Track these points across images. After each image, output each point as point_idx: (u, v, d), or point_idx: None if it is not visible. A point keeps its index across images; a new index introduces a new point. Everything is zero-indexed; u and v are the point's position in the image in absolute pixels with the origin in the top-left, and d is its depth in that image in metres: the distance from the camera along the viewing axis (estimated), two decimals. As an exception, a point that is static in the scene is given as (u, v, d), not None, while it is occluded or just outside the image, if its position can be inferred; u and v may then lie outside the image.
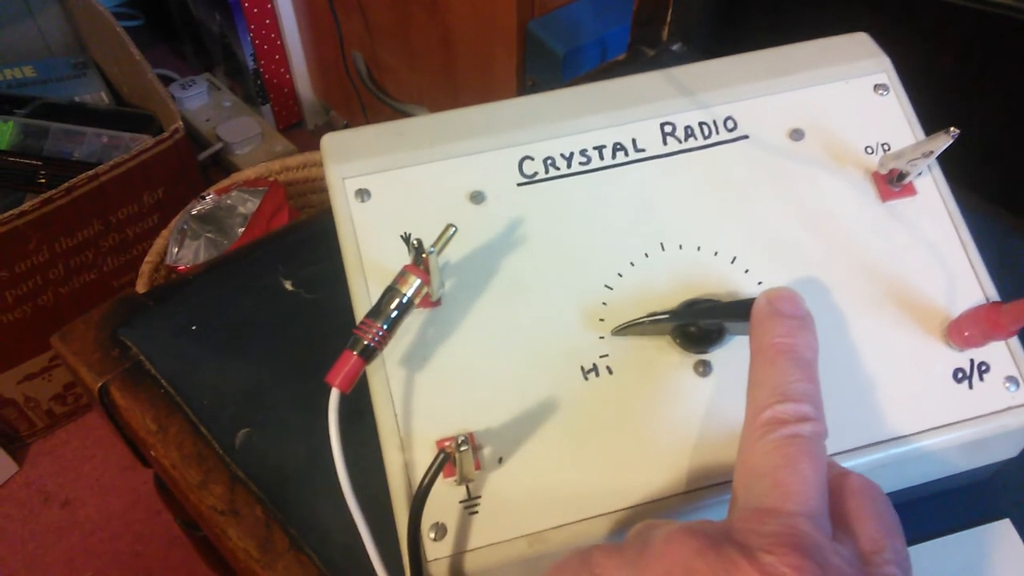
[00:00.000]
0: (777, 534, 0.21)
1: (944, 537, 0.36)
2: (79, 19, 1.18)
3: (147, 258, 0.86)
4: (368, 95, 1.13)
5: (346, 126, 1.44)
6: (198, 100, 1.38)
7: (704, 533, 0.22)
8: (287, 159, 0.94)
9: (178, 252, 0.84)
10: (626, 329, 0.32)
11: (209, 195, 0.86)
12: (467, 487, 0.30)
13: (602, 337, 0.32)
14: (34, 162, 1.01)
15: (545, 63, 0.79)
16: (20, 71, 1.15)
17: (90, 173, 0.91)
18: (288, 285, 0.44)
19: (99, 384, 0.41)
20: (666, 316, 0.32)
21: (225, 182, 0.90)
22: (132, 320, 0.43)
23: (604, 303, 0.33)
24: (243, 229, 0.84)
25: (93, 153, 1.04)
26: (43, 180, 1.00)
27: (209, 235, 0.85)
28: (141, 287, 0.84)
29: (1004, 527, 0.37)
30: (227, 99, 1.40)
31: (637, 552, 0.23)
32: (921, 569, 0.35)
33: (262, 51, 1.32)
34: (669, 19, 0.56)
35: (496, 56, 0.89)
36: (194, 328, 0.42)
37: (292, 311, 0.43)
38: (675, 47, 0.58)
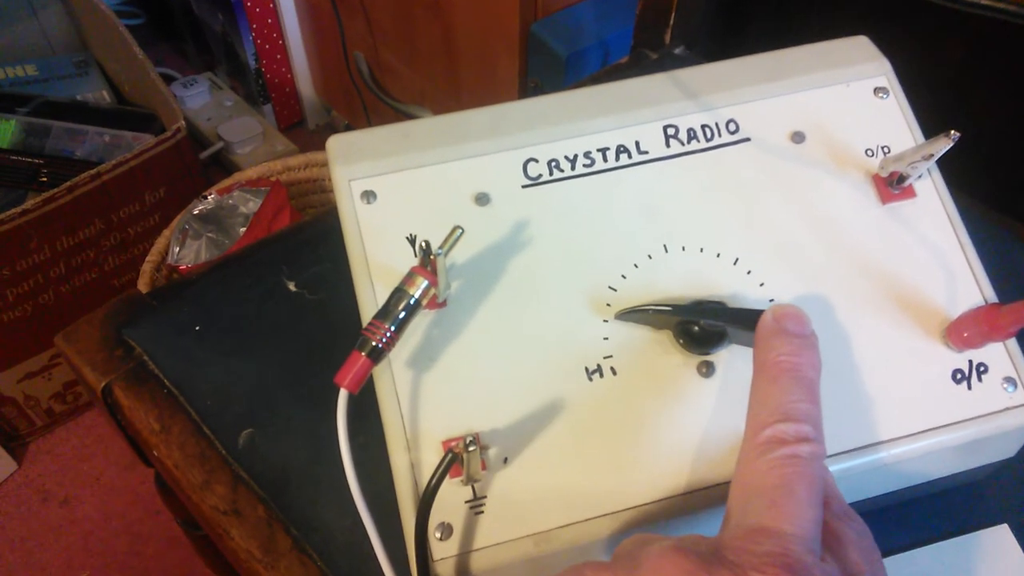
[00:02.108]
0: (769, 554, 0.22)
1: (942, 542, 0.37)
2: (81, 17, 1.18)
3: (148, 257, 0.86)
4: (370, 95, 1.13)
5: (347, 126, 1.44)
6: (199, 99, 1.38)
7: (695, 552, 0.22)
8: (289, 159, 0.94)
9: (179, 252, 0.84)
10: (630, 314, 0.32)
11: (211, 195, 0.86)
12: (473, 487, 0.30)
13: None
14: (36, 161, 1.01)
15: (548, 65, 0.79)
16: (22, 69, 1.15)
17: (92, 172, 0.91)
18: (291, 286, 0.44)
19: (103, 384, 0.41)
20: (670, 308, 0.32)
21: (227, 182, 0.90)
22: (136, 320, 0.43)
23: (608, 304, 0.33)
24: (244, 229, 0.85)
25: (95, 152, 1.04)
26: (45, 179, 1.01)
27: (210, 235, 0.85)
28: (142, 286, 0.84)
29: (1002, 532, 0.37)
30: (228, 98, 1.40)
31: (627, 571, 0.23)
32: (919, 574, 0.35)
33: (264, 50, 1.33)
34: (672, 22, 0.57)
35: (499, 58, 0.90)
36: (198, 328, 0.42)
37: (295, 312, 0.43)
38: (678, 50, 0.58)
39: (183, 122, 0.97)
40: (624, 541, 0.25)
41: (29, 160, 1.01)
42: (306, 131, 1.48)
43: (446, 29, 0.97)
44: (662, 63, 0.58)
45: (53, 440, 1.14)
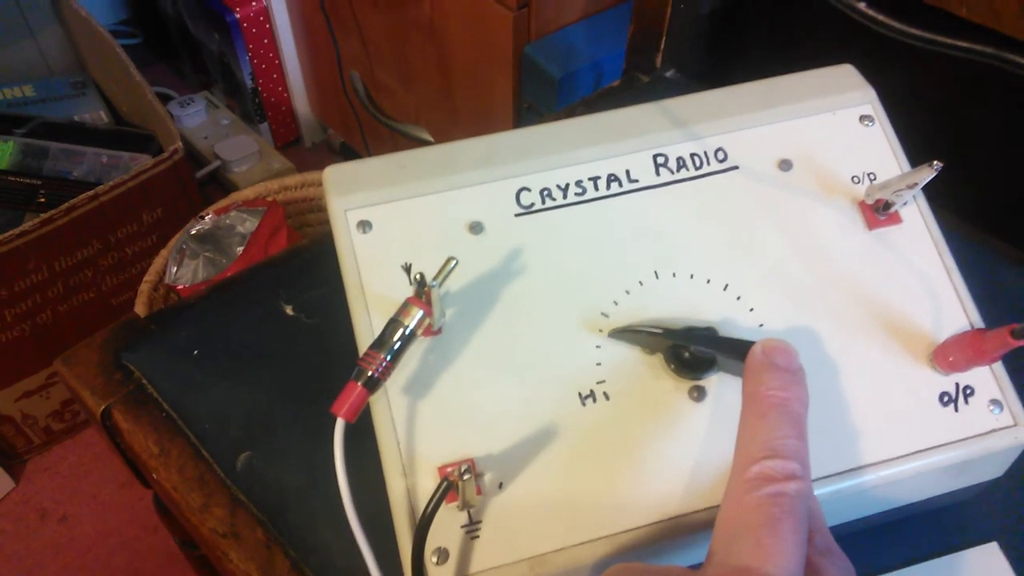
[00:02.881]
0: None
1: (932, 560, 0.37)
2: (79, 39, 1.19)
3: (146, 277, 0.86)
4: (365, 114, 1.14)
5: (343, 144, 1.45)
6: (196, 118, 1.39)
7: None
8: (285, 179, 0.95)
9: (177, 271, 0.85)
10: (622, 333, 0.33)
11: (208, 215, 0.87)
12: (468, 512, 0.30)
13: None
14: (34, 182, 1.01)
15: (541, 87, 0.80)
16: (20, 90, 1.16)
17: (90, 193, 0.92)
18: (289, 310, 0.45)
19: (102, 408, 0.41)
20: (661, 332, 0.32)
21: (224, 202, 0.91)
22: (134, 344, 0.44)
23: (600, 330, 0.34)
24: (241, 249, 0.85)
25: (92, 172, 1.04)
26: (43, 200, 1.01)
27: (207, 254, 0.85)
28: (140, 306, 0.85)
29: (991, 550, 0.38)
30: (225, 117, 1.41)
31: None
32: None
33: (260, 70, 1.34)
34: (663, 46, 0.58)
35: (493, 78, 0.91)
36: (196, 352, 0.43)
37: (293, 336, 0.44)
38: (669, 73, 0.59)
39: (180, 143, 0.98)
40: (606, 572, 0.25)
41: (27, 181, 1.01)
42: (302, 149, 1.49)
43: (441, 50, 0.98)
44: (653, 86, 0.58)
45: (51, 458, 1.14)
